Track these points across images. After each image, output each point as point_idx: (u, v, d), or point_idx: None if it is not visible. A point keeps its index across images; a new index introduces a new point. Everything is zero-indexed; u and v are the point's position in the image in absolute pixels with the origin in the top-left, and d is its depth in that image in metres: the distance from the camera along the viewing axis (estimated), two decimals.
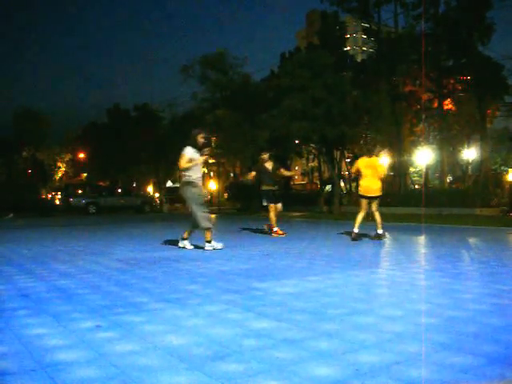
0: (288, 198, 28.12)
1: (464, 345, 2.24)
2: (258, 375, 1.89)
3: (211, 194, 41.39)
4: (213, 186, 39.99)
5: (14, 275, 4.46)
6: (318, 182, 42.16)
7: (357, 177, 8.26)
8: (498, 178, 29.39)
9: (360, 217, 7.75)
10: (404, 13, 28.12)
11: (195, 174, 6.50)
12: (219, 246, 6.56)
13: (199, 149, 6.56)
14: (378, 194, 7.80)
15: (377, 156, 7.97)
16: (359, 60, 33.25)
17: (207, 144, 6.73)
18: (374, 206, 7.81)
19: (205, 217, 6.46)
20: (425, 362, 2.01)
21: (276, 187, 9.12)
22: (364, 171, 7.75)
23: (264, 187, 9.04)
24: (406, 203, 19.71)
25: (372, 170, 7.72)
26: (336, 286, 3.75)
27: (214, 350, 2.20)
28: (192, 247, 6.68)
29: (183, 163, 6.45)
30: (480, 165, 29.55)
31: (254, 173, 9.31)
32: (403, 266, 4.92)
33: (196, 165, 6.48)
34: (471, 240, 8.30)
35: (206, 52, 27.78)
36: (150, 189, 51.12)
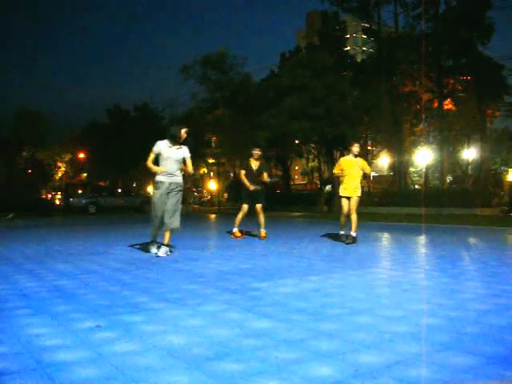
0: (288, 198, 28.17)
1: (464, 345, 2.24)
2: (257, 375, 1.89)
3: (211, 194, 41.41)
4: (213, 186, 40.00)
5: (14, 275, 4.46)
6: (317, 182, 42.15)
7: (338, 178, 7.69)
8: (498, 178, 29.44)
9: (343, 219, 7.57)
10: (404, 13, 28.18)
11: (161, 172, 5.84)
12: (154, 250, 5.98)
13: (178, 143, 5.93)
14: (358, 194, 7.45)
15: (354, 153, 7.51)
16: (359, 60, 33.27)
17: (188, 141, 5.99)
18: (353, 207, 7.43)
19: (152, 217, 5.85)
20: (425, 362, 2.01)
21: (259, 187, 8.59)
22: (346, 171, 7.43)
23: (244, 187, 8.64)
24: (406, 203, 19.72)
25: (353, 169, 7.40)
26: (336, 286, 3.75)
27: (214, 349, 2.20)
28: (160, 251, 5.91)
29: (148, 161, 5.89)
30: (480, 165, 29.56)
31: (243, 171, 8.97)
32: (403, 266, 4.91)
33: (165, 160, 5.83)
34: (471, 240, 8.30)
35: (206, 52, 27.79)
36: (150, 189, 51.14)
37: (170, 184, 5.84)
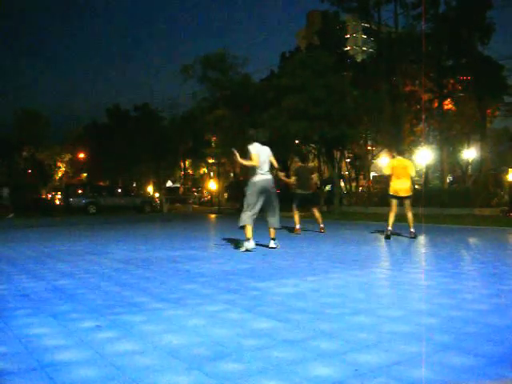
0: (288, 197, 28.15)
1: (464, 345, 2.24)
2: (257, 375, 1.89)
3: (211, 194, 41.42)
4: (213, 186, 40.00)
5: (14, 275, 4.46)
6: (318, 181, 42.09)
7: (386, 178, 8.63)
8: (498, 178, 29.38)
9: (392, 216, 8.09)
10: (404, 13, 28.19)
11: (253, 171, 6.43)
12: (250, 246, 6.34)
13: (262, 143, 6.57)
14: (409, 193, 8.14)
15: (403, 156, 8.46)
16: (359, 60, 33.27)
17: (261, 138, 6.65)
18: (406, 206, 8.17)
19: (242, 215, 6.43)
20: (425, 362, 2.01)
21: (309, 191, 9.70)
22: (396, 172, 8.12)
23: (299, 191, 9.69)
24: None
25: (403, 171, 8.08)
26: (336, 286, 3.75)
27: (214, 350, 2.20)
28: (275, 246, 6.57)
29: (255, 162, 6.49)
30: (480, 165, 29.57)
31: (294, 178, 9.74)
32: (403, 266, 4.91)
33: (263, 160, 6.44)
34: (471, 240, 8.30)
35: (206, 52, 27.84)
36: (150, 189, 51.16)
37: (268, 182, 6.43)
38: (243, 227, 6.36)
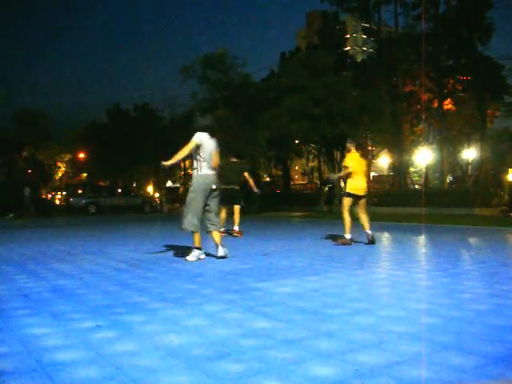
0: (288, 197, 28.17)
1: (464, 345, 2.24)
2: (257, 375, 1.89)
3: None
4: None
5: (14, 275, 4.46)
6: (317, 181, 42.20)
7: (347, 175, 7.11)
8: (499, 179, 29.41)
9: (349, 219, 7.06)
10: (404, 13, 28.20)
11: (195, 165, 5.43)
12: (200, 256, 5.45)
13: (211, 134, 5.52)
14: (366, 192, 7.25)
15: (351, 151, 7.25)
16: (359, 60, 33.27)
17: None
18: (361, 205, 7.18)
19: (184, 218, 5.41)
20: (425, 362, 2.01)
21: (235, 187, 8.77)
22: (357, 167, 7.11)
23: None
24: (405, 203, 19.69)
25: (362, 168, 7.18)
26: (336, 286, 3.75)
27: (214, 349, 2.20)
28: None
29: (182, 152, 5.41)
30: (480, 165, 29.58)
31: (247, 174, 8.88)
32: (403, 265, 4.91)
33: (208, 154, 5.38)
34: (471, 240, 8.30)
35: (206, 52, 27.81)
36: (150, 189, 51.14)
37: (214, 179, 5.45)
38: (192, 232, 5.38)
